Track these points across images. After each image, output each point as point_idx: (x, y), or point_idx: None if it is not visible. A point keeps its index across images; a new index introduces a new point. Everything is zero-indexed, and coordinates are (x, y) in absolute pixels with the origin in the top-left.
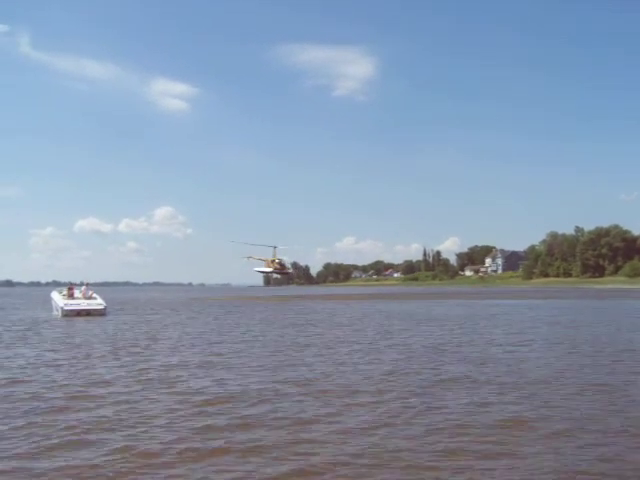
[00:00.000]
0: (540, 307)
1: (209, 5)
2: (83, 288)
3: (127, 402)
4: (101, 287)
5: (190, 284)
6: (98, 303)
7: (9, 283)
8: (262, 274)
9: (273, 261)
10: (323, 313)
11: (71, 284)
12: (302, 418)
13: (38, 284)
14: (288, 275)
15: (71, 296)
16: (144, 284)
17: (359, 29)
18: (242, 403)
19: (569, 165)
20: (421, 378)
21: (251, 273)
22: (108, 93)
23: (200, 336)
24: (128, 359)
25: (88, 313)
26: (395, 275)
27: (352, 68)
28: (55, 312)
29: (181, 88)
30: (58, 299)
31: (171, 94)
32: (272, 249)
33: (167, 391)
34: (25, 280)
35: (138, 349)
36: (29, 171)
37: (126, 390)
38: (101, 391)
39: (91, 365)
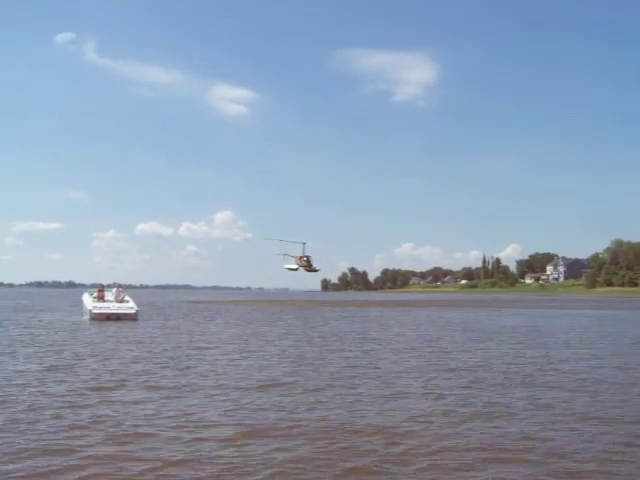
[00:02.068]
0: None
1: (269, 10)
2: (115, 290)
3: None
4: (160, 290)
5: (249, 288)
6: (129, 307)
7: (71, 284)
8: (292, 271)
9: (301, 258)
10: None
11: (102, 286)
12: None
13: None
14: (316, 272)
15: (101, 298)
16: (203, 287)
17: (420, 34)
18: None
19: (635, 173)
20: None
21: (309, 277)
22: (170, 98)
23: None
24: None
25: (118, 317)
26: (462, 282)
27: (413, 73)
28: (85, 316)
29: (241, 93)
30: (88, 301)
31: (231, 99)
32: (302, 245)
33: None
34: (87, 282)
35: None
36: (94, 175)
37: None
38: None
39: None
